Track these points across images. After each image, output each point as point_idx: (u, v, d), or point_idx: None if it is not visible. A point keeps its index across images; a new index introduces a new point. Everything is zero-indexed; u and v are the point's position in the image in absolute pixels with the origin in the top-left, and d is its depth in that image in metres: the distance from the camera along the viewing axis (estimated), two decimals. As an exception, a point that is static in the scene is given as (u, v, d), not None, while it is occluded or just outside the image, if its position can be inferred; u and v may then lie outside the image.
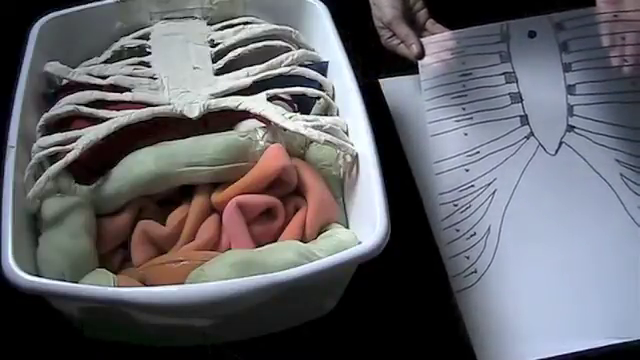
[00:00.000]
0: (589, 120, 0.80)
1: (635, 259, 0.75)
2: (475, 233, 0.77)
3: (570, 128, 0.80)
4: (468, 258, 0.76)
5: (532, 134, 0.80)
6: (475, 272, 0.75)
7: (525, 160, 0.79)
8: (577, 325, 0.73)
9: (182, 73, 0.74)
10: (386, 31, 0.84)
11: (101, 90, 0.72)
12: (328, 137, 0.68)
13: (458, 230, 0.77)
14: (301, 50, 0.78)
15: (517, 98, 0.81)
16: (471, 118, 0.81)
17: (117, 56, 0.78)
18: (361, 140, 0.68)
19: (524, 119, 0.81)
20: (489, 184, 0.78)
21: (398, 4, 0.83)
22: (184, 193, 0.70)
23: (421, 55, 0.82)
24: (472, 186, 0.78)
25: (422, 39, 0.82)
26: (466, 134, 0.80)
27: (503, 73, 0.82)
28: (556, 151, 0.79)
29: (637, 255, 0.76)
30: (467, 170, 0.79)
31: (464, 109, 0.81)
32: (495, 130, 0.80)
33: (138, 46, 0.78)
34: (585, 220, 0.77)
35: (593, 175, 0.78)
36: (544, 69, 0.82)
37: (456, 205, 0.78)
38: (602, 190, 0.78)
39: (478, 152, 0.80)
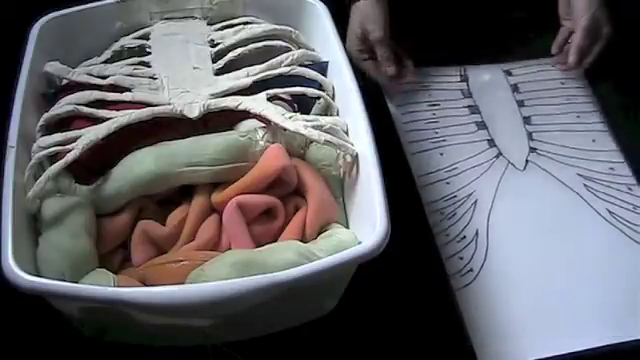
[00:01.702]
0: (547, 144, 0.88)
1: (615, 258, 0.78)
2: (465, 236, 0.80)
3: (533, 149, 0.88)
4: (462, 259, 0.78)
5: (501, 154, 0.88)
6: (471, 270, 0.77)
7: (498, 175, 0.85)
8: (576, 325, 0.73)
9: (182, 73, 0.74)
10: (360, 43, 0.87)
11: (101, 90, 0.72)
12: (328, 137, 0.68)
13: (448, 235, 0.80)
14: (301, 50, 0.78)
15: (482, 126, 0.91)
16: (445, 140, 0.89)
17: (117, 56, 0.78)
18: (361, 140, 0.68)
19: (491, 142, 0.89)
20: (469, 195, 0.83)
21: (387, 26, 0.86)
22: (184, 193, 0.70)
23: (395, 77, 0.88)
24: (455, 197, 0.83)
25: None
26: (442, 154, 0.87)
27: (467, 106, 0.93)
28: (524, 167, 0.86)
29: (616, 254, 0.78)
30: (448, 183, 0.84)
31: (437, 133, 0.89)
32: (467, 150, 0.88)
33: (138, 46, 0.78)
34: (563, 225, 0.81)
35: (561, 186, 0.84)
36: (502, 104, 0.93)
37: (442, 213, 0.82)
38: (572, 198, 0.83)
39: (456, 168, 0.86)
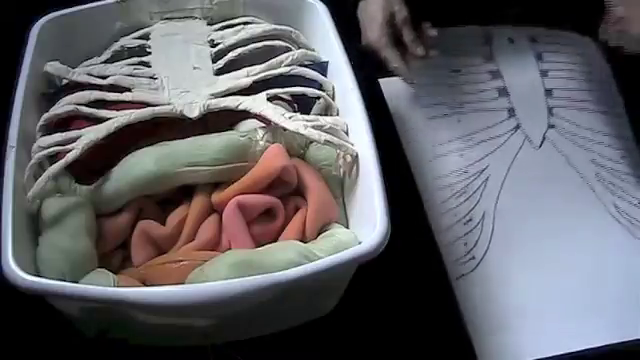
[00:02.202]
0: (566, 122, 0.87)
1: (618, 256, 0.77)
2: (471, 219, 0.79)
3: (551, 126, 0.86)
4: (466, 245, 0.78)
5: (519, 127, 0.86)
6: (473, 258, 0.77)
7: (513, 151, 0.84)
8: (576, 324, 0.73)
9: (182, 73, 0.74)
10: (388, 27, 0.83)
11: (101, 90, 0.72)
12: (328, 137, 0.68)
13: (455, 215, 0.79)
14: (301, 50, 0.78)
15: (504, 92, 0.88)
16: (463, 107, 0.86)
17: (117, 56, 0.78)
18: (361, 140, 0.68)
19: (511, 112, 0.87)
20: (482, 171, 0.82)
21: (406, 7, 0.84)
22: (184, 193, 0.70)
23: (425, 55, 0.83)
24: (466, 172, 0.82)
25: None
26: (459, 121, 0.85)
27: (489, 71, 0.90)
28: (540, 145, 0.84)
29: (619, 252, 0.78)
30: (462, 155, 0.83)
31: (455, 99, 0.87)
32: (485, 120, 0.85)
33: (138, 46, 0.78)
34: (568, 216, 0.80)
35: (572, 172, 0.83)
36: (525, 71, 0.90)
37: (452, 190, 0.80)
38: (581, 187, 0.82)
39: (471, 139, 0.84)
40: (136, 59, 0.76)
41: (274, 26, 0.80)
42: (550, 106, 0.87)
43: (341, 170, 0.71)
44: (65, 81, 0.75)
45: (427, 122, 0.85)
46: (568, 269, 0.77)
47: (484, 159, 0.83)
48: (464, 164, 0.82)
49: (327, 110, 0.75)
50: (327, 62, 0.78)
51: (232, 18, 0.81)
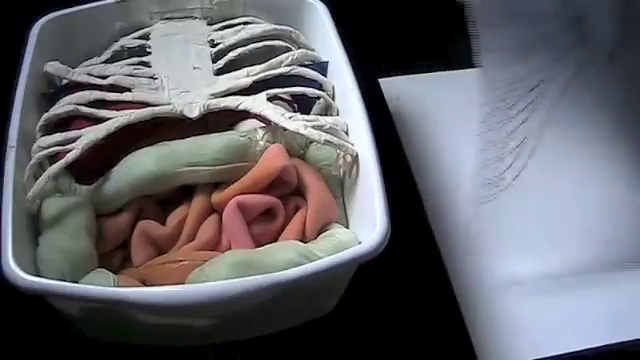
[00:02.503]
0: None
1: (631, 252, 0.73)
2: (512, 139, 0.70)
3: (623, 40, 0.71)
4: (497, 169, 0.69)
5: (584, 39, 0.71)
6: (497, 186, 0.70)
7: (574, 68, 0.71)
8: (576, 324, 0.73)
9: (182, 73, 0.74)
10: None
11: (101, 90, 0.72)
12: (328, 137, 0.68)
13: (499, 132, 0.69)
14: (301, 50, 0.78)
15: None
16: (518, 15, 0.71)
17: (117, 56, 0.78)
18: (361, 140, 0.68)
19: (576, 21, 0.71)
20: (534, 88, 0.71)
21: None
22: (184, 193, 0.70)
23: None
24: (517, 86, 0.71)
25: None
26: (513, 29, 0.70)
27: None
28: (608, 62, 0.72)
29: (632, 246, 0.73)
30: (513, 66, 0.70)
31: (509, 9, 0.71)
32: (545, 30, 0.71)
33: (138, 46, 0.78)
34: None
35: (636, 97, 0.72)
36: None
37: (504, 101, 0.70)
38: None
39: (526, 50, 0.71)
40: (136, 59, 0.76)
41: (274, 26, 0.80)
42: (625, 16, 0.71)
43: (341, 170, 0.71)
44: (65, 81, 0.75)
45: (478, 31, 0.68)
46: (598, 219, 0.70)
47: (541, 72, 0.70)
48: (518, 75, 0.70)
49: (327, 110, 0.75)
50: (327, 62, 0.78)
51: (232, 18, 0.81)
